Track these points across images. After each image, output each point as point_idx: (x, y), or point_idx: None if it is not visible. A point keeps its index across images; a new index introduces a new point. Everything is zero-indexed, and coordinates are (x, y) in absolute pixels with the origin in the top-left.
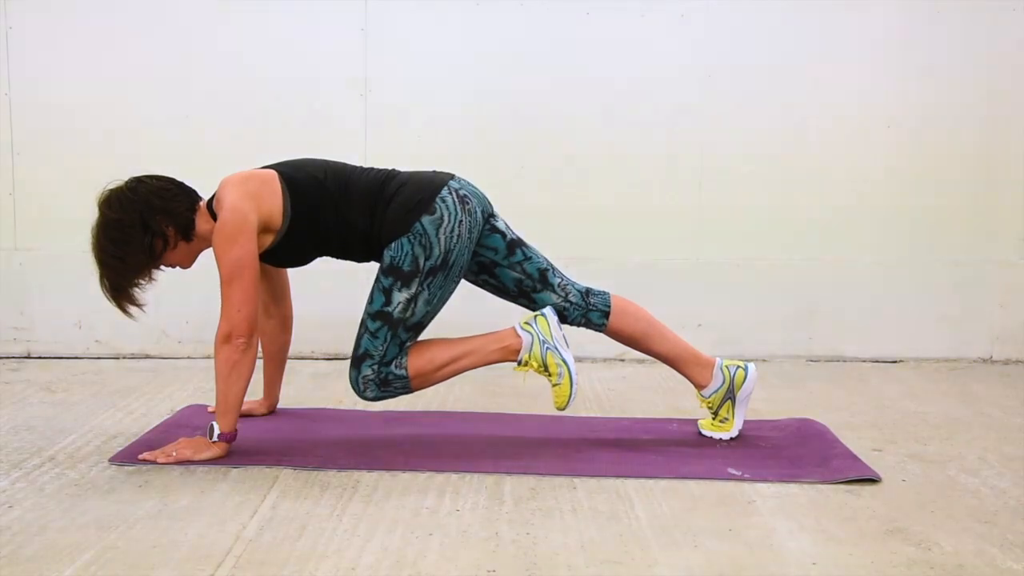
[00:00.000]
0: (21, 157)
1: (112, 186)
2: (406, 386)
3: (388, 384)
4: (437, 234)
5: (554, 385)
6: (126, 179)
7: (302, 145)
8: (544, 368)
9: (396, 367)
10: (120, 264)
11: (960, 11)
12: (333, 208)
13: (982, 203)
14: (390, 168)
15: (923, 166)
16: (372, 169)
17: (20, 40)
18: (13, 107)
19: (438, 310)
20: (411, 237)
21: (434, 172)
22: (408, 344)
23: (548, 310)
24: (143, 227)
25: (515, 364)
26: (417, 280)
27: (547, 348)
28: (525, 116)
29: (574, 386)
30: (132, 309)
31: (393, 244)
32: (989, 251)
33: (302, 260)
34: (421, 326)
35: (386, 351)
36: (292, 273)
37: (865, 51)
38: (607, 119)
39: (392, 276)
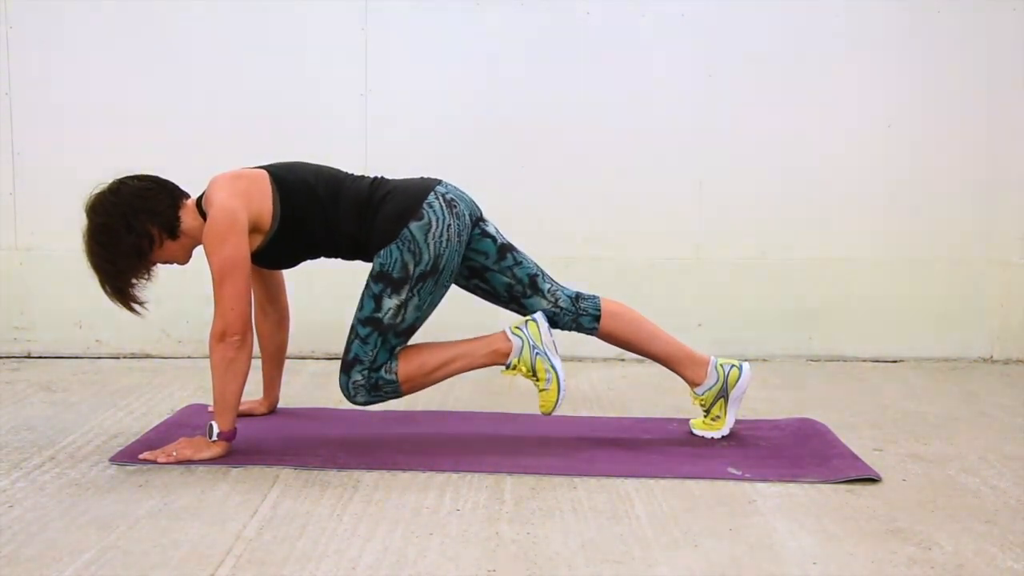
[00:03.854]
0: (21, 157)
1: (96, 191)
2: (396, 391)
3: (378, 389)
4: (426, 239)
5: (541, 390)
6: (109, 182)
7: (302, 145)
8: (532, 373)
9: (386, 372)
10: (112, 267)
11: (960, 11)
12: (322, 213)
13: (982, 203)
14: (378, 176)
15: (923, 166)
16: (362, 177)
17: (20, 40)
18: (13, 107)
19: (428, 315)
20: (400, 244)
21: (421, 179)
22: (398, 349)
23: (539, 315)
24: (127, 229)
25: (503, 368)
26: (407, 286)
27: (536, 353)
28: (525, 116)
29: (561, 392)
30: (137, 307)
31: (383, 251)
32: (989, 251)
33: (290, 262)
34: (412, 330)
35: (376, 356)
36: (291, 273)
37: (865, 50)
38: (607, 119)
39: (382, 282)
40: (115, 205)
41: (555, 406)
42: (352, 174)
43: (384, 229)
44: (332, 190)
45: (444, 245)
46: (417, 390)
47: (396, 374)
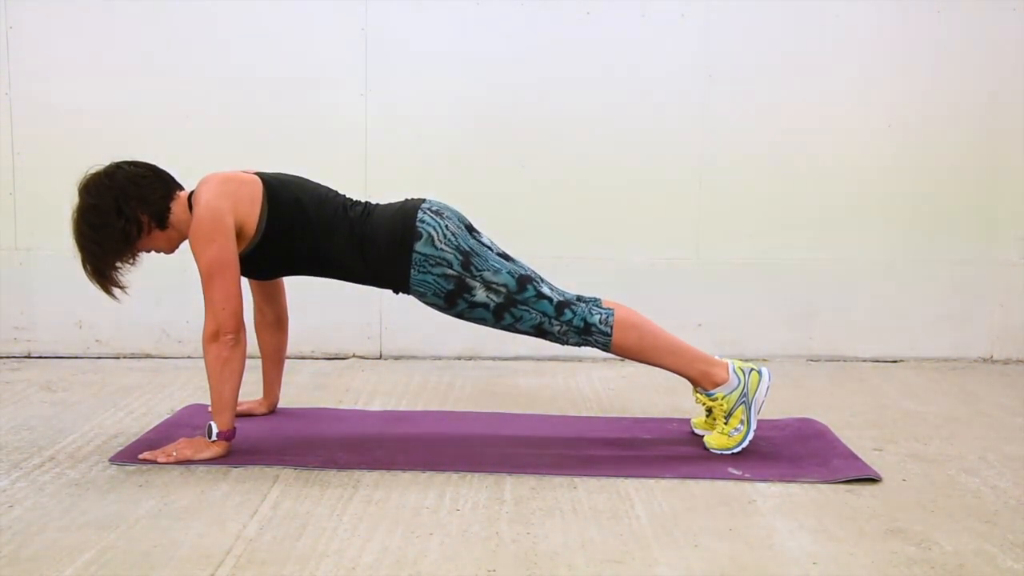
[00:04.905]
0: (21, 157)
1: (92, 171)
2: (606, 343)
3: (589, 333)
4: (436, 247)
5: (720, 432)
6: (106, 164)
7: (302, 145)
8: (727, 415)
9: (600, 323)
10: (98, 249)
11: (960, 11)
12: (310, 237)
13: (982, 203)
14: (368, 203)
15: (923, 166)
16: (355, 203)
17: (20, 40)
18: (13, 107)
19: (511, 263)
20: (420, 268)
21: (405, 200)
22: (543, 289)
23: (767, 372)
24: (117, 213)
25: (704, 392)
26: (468, 277)
27: (743, 402)
28: (525, 115)
29: (738, 447)
30: (116, 291)
31: (419, 288)
32: (989, 251)
33: (268, 274)
34: (524, 278)
35: (542, 310)
36: None
37: (865, 50)
38: (607, 118)
39: (457, 300)
40: (108, 188)
41: (720, 451)
42: (345, 199)
43: (389, 258)
44: (325, 217)
45: (453, 239)
46: (623, 354)
47: (611, 327)
